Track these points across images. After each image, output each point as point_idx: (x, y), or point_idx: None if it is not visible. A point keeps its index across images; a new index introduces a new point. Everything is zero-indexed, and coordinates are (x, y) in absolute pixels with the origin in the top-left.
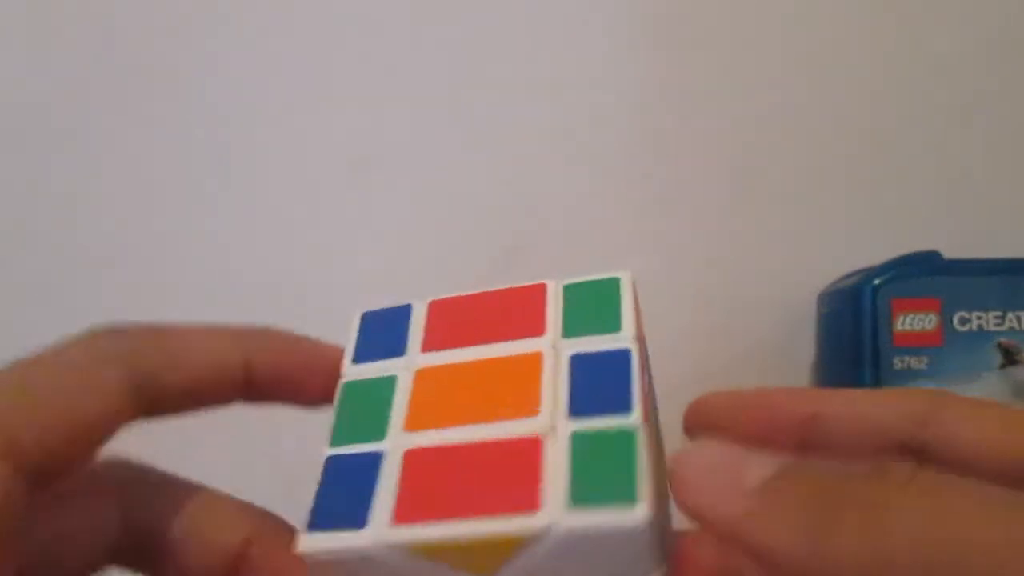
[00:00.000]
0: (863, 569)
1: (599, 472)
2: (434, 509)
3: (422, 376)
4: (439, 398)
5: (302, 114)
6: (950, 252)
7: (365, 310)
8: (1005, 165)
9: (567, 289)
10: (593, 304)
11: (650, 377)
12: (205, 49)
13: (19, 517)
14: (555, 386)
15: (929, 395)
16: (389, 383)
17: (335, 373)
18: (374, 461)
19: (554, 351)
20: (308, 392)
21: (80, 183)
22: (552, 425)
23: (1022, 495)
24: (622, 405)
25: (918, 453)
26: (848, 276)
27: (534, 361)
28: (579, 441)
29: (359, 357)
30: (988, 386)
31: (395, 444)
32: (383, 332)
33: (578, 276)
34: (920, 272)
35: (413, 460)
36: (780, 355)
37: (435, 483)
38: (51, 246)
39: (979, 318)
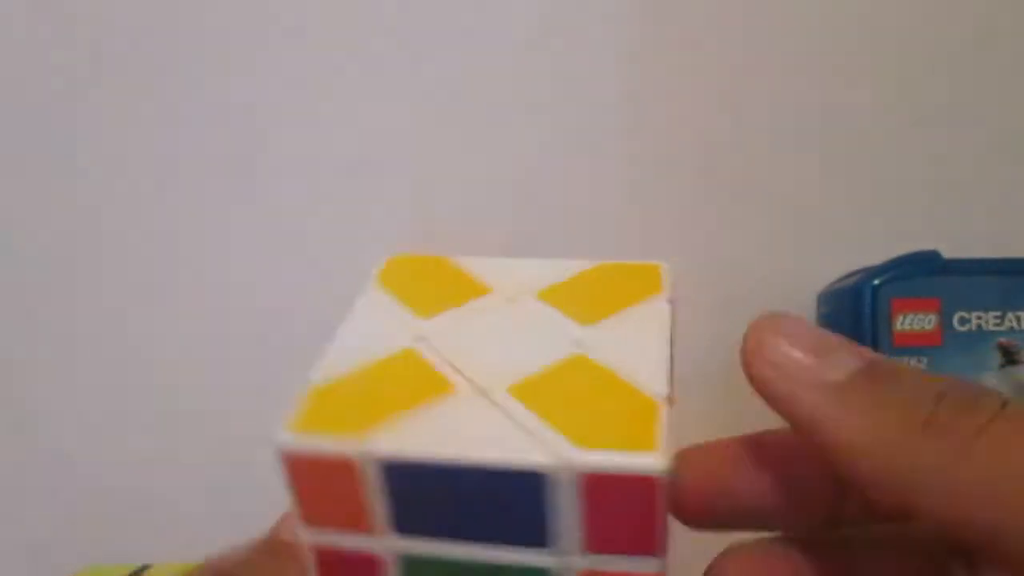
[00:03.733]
0: (940, 488)
1: None
2: None
3: None
4: None
5: (302, 114)
6: (950, 252)
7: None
8: (1005, 165)
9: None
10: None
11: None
12: (205, 49)
13: None
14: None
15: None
16: None
17: None
18: None
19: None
20: None
21: (80, 183)
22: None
23: None
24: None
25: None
26: (848, 276)
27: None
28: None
29: None
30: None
31: None
32: None
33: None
34: (920, 272)
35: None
36: None
37: None
38: (52, 246)
39: (979, 318)
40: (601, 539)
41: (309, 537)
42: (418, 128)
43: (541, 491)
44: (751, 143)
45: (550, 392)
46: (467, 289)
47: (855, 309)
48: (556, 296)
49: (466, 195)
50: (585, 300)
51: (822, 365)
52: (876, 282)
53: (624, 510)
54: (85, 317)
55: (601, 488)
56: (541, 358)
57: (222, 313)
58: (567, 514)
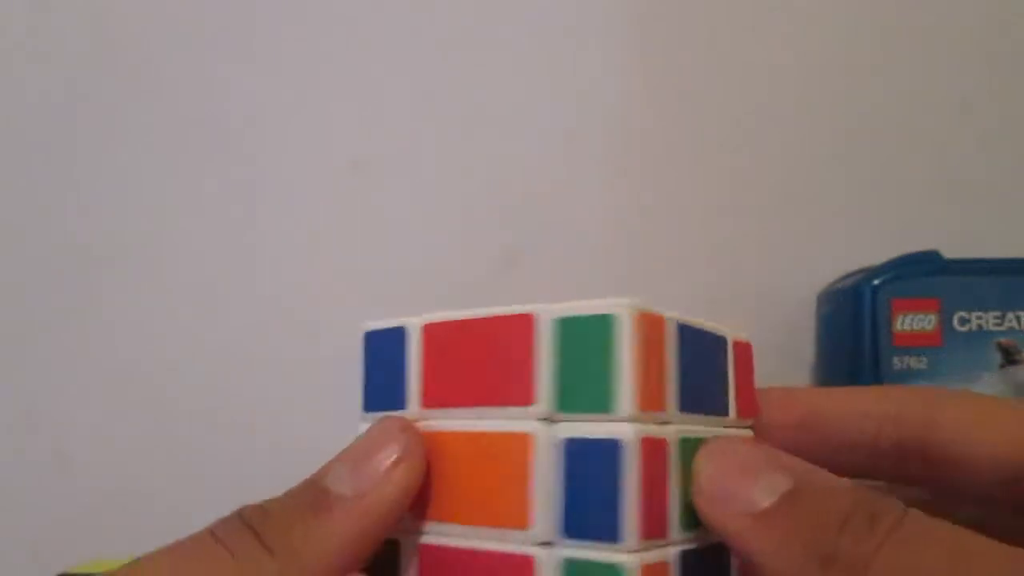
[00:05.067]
0: None
1: None
2: None
3: (426, 440)
4: (440, 481)
5: (302, 114)
6: (950, 252)
7: (367, 329)
8: (1004, 165)
9: (560, 325)
10: (587, 354)
11: (707, 356)
12: (205, 49)
13: None
14: (548, 482)
15: (923, 396)
16: None
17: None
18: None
19: (546, 429)
20: None
21: (80, 183)
22: (543, 542)
23: (986, 542)
24: (611, 529)
25: (917, 451)
26: (848, 276)
27: (524, 447)
28: (569, 571)
29: (369, 404)
30: (988, 386)
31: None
32: (385, 368)
33: (573, 301)
34: (920, 272)
35: (425, 561)
36: (780, 355)
37: None
38: (51, 246)
39: (979, 318)
40: (744, 406)
41: (641, 432)
42: (417, 128)
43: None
44: (751, 143)
45: None
46: None
47: (855, 309)
48: None
49: (467, 197)
50: None
51: (751, 491)
52: (876, 282)
53: (747, 376)
54: (85, 317)
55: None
56: None
57: (222, 313)
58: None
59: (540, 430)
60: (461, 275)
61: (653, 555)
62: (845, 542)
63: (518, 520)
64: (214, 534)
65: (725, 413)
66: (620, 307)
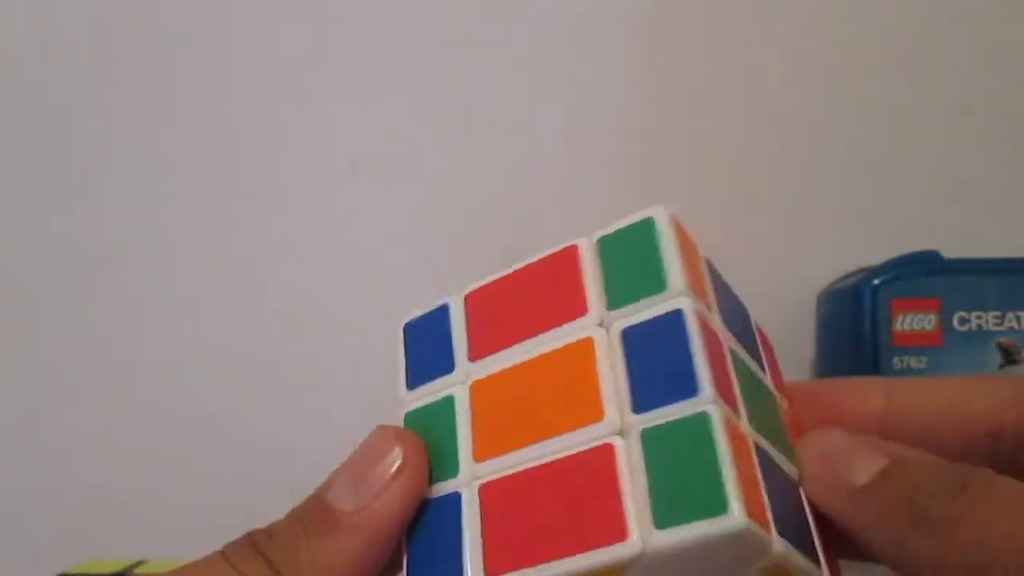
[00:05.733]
0: (938, 572)
1: (680, 474)
2: (523, 553)
3: (477, 391)
4: (500, 414)
5: (302, 114)
6: (950, 252)
7: (407, 320)
8: (1004, 165)
9: (602, 244)
10: (632, 257)
11: (738, 307)
12: (205, 50)
13: None
14: (614, 375)
15: (1011, 382)
16: (448, 408)
17: None
18: (454, 504)
19: (604, 331)
20: None
21: (80, 183)
22: (620, 428)
23: None
24: (687, 385)
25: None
26: (848, 276)
27: (586, 350)
28: (651, 440)
29: (412, 381)
30: None
31: (469, 479)
32: (428, 345)
33: (611, 223)
34: (920, 272)
35: (490, 496)
36: (780, 355)
37: (517, 520)
38: (51, 246)
39: (979, 318)
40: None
41: (693, 304)
42: (417, 127)
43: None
44: (751, 144)
45: None
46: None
47: (855, 309)
48: None
49: (467, 197)
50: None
51: (849, 470)
52: (876, 282)
53: (771, 356)
54: (85, 317)
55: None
56: None
57: (222, 313)
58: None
59: (598, 331)
60: (461, 275)
61: (730, 412)
62: (935, 506)
63: (591, 417)
64: (226, 557)
65: (760, 366)
66: (657, 210)
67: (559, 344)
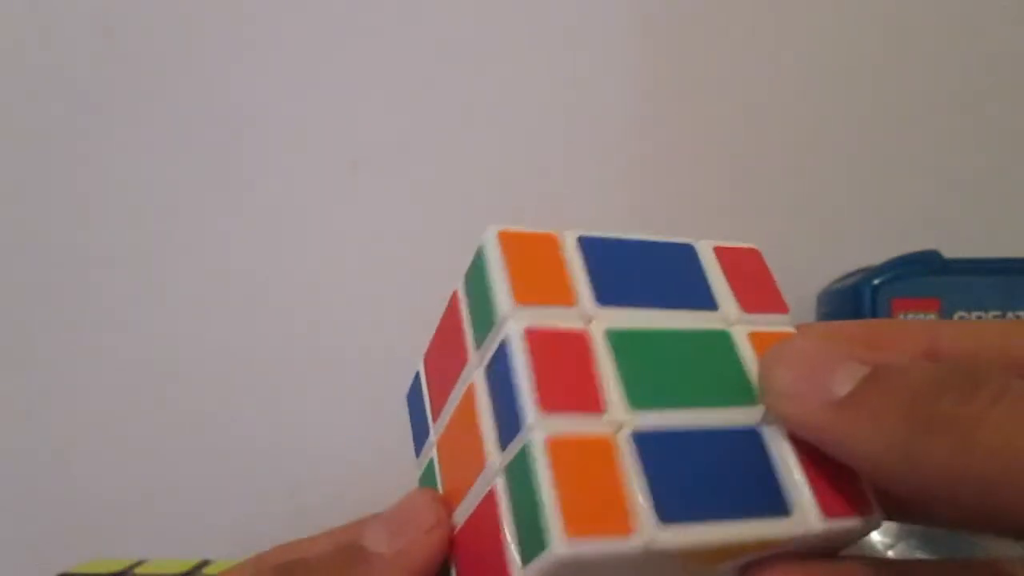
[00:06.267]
0: (952, 480)
1: (525, 509)
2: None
3: (440, 450)
4: (452, 469)
5: (302, 114)
6: (950, 252)
7: (406, 392)
8: (1004, 165)
9: (465, 282)
10: (480, 289)
11: (664, 259)
12: (206, 50)
13: None
14: (490, 416)
15: None
16: (431, 469)
17: None
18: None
19: (480, 372)
20: None
21: (81, 183)
22: (497, 468)
23: None
24: (516, 419)
25: None
26: (848, 276)
27: (470, 396)
28: (510, 476)
29: (416, 448)
30: None
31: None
32: (416, 412)
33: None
34: (920, 272)
35: (458, 544)
36: None
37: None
38: (51, 246)
39: (979, 318)
40: (746, 295)
41: (522, 320)
42: (418, 127)
43: (693, 257)
44: (751, 143)
45: None
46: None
47: (855, 309)
48: None
49: (467, 197)
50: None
51: (829, 381)
52: (876, 282)
53: (751, 275)
54: (85, 317)
55: (730, 256)
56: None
57: (222, 314)
58: (715, 277)
59: (477, 374)
60: (462, 276)
61: (562, 424)
62: (947, 404)
63: (480, 463)
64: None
65: (709, 307)
66: (487, 234)
67: (461, 394)
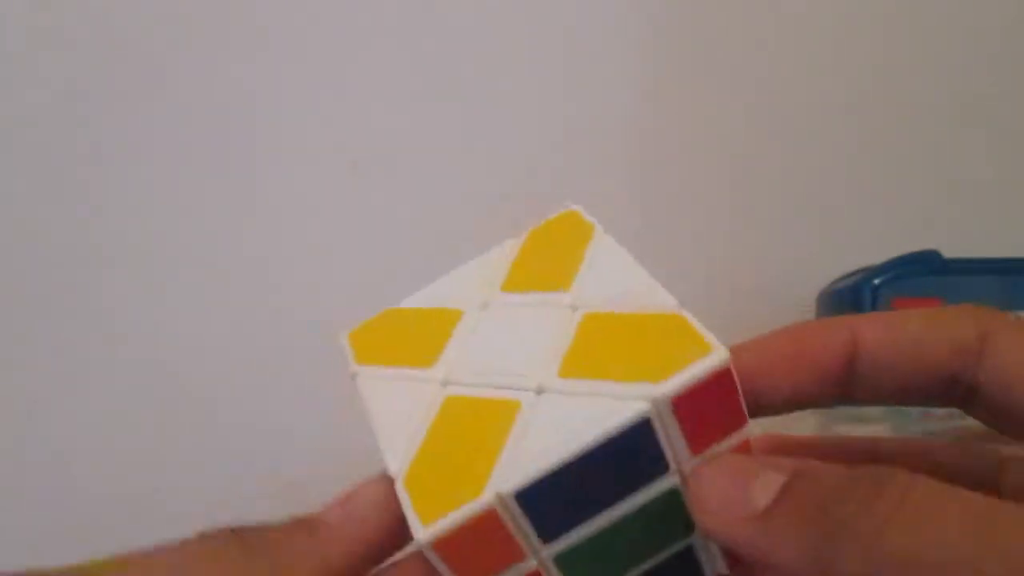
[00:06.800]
0: None
1: None
2: None
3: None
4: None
5: (302, 114)
6: (950, 252)
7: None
8: (1004, 165)
9: None
10: None
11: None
12: (207, 50)
13: None
14: None
15: (976, 319)
16: None
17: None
18: None
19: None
20: None
21: (81, 183)
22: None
23: (1003, 504)
24: None
25: (968, 387)
26: (848, 276)
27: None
28: None
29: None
30: None
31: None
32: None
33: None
34: (920, 272)
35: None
36: None
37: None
38: (52, 246)
39: None
40: (703, 439)
41: None
42: (418, 127)
43: (649, 431)
44: (751, 145)
45: (592, 356)
46: (442, 321)
47: (855, 309)
48: (518, 281)
49: (467, 197)
50: (543, 271)
51: (749, 495)
52: (876, 282)
53: (713, 406)
54: (85, 317)
55: (690, 400)
56: (559, 335)
57: (223, 314)
58: (673, 435)
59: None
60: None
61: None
62: (850, 512)
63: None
64: (204, 538)
65: (660, 472)
66: (424, 540)
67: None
